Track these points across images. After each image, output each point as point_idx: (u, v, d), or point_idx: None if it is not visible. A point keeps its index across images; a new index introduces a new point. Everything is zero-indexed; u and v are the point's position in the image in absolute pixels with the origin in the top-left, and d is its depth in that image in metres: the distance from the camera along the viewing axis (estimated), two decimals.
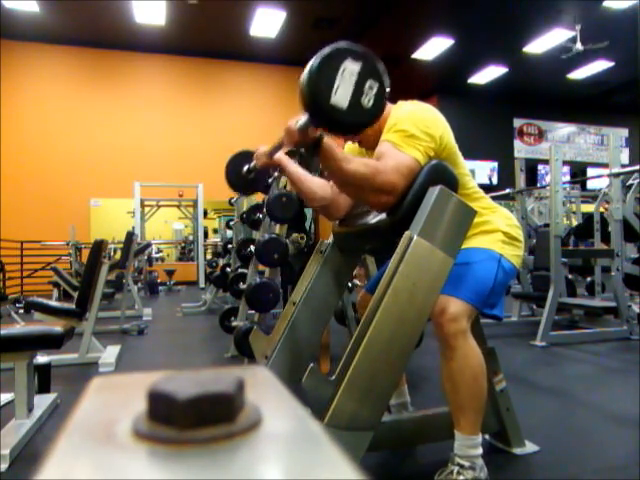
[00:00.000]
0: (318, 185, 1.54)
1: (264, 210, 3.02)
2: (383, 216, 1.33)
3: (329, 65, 1.05)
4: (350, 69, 1.05)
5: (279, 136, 1.29)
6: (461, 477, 1.28)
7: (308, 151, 1.23)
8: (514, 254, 1.45)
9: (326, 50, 1.06)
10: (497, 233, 1.44)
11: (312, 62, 1.06)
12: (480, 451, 1.33)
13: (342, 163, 1.20)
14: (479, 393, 1.31)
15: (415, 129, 1.28)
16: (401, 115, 1.34)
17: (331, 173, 1.26)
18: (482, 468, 1.32)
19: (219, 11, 8.04)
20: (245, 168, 1.67)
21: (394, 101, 1.49)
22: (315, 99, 1.05)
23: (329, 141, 1.21)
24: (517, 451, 1.62)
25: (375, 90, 1.07)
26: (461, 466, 1.29)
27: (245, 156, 1.77)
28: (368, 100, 1.07)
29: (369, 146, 1.48)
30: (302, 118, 1.14)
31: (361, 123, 1.12)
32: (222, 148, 10.07)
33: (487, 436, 1.68)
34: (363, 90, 1.06)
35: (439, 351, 1.33)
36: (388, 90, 1.12)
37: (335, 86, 1.04)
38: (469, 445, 1.31)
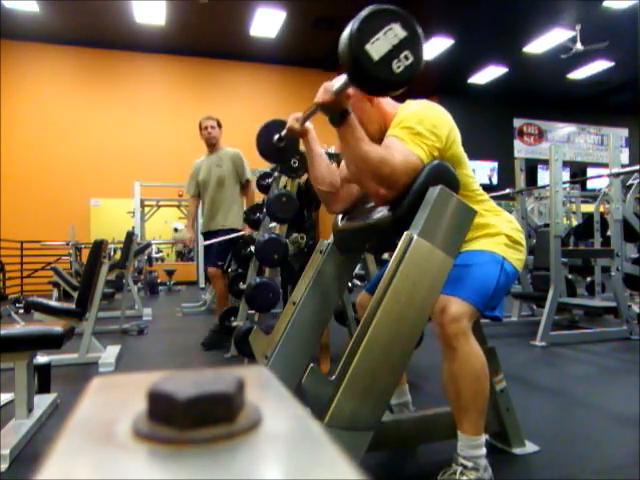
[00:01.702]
0: (329, 170, 1.59)
1: (264, 210, 3.03)
2: (385, 214, 1.33)
3: (379, 17, 1.08)
4: (396, 31, 1.08)
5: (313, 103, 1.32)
6: (464, 477, 1.28)
7: (334, 118, 1.26)
8: (516, 257, 1.46)
9: (384, 5, 1.09)
10: (500, 236, 1.44)
11: (368, 8, 1.08)
12: (484, 451, 1.33)
13: (360, 141, 1.24)
14: (481, 394, 1.31)
15: (421, 127, 1.29)
16: (409, 113, 1.34)
17: (346, 147, 1.27)
18: (486, 468, 1.32)
19: (219, 11, 8.04)
20: (276, 137, 1.75)
21: (398, 100, 1.50)
22: (352, 39, 1.07)
23: (354, 118, 1.26)
24: (517, 451, 1.62)
25: (409, 62, 1.09)
26: (464, 467, 1.29)
27: (276, 125, 1.82)
28: (398, 67, 1.08)
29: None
30: (340, 79, 1.19)
31: (381, 83, 1.12)
32: None
33: (487, 436, 1.68)
34: (399, 56, 1.08)
35: (441, 351, 1.33)
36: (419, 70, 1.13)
37: (375, 37, 1.07)
38: (472, 446, 1.31)
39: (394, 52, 1.08)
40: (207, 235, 3.72)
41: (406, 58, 1.09)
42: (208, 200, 3.69)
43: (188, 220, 4.02)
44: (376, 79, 1.10)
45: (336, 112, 1.25)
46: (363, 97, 1.43)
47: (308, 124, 1.54)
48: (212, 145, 3.72)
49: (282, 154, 1.95)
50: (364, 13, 1.08)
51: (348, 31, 1.08)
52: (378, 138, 1.38)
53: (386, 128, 1.39)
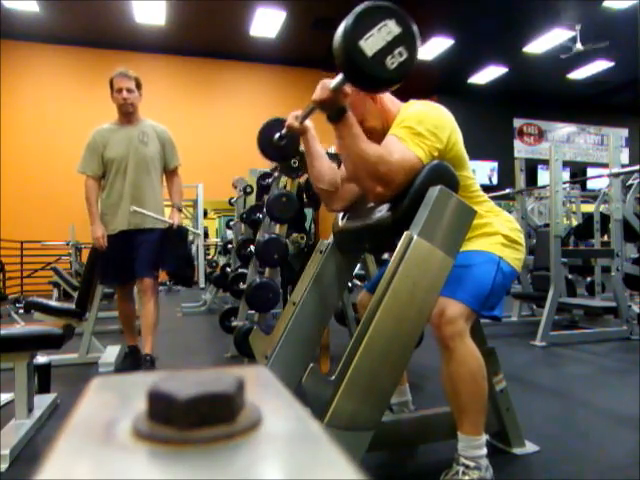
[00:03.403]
0: (329, 168, 1.58)
1: (264, 210, 3.02)
2: (385, 214, 1.33)
3: (373, 14, 1.08)
4: (390, 28, 1.08)
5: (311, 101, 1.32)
6: (466, 477, 1.28)
7: (332, 115, 1.26)
8: (514, 257, 1.45)
9: (378, 2, 1.09)
10: (497, 236, 1.44)
11: (362, 5, 1.08)
12: (485, 451, 1.33)
13: (357, 139, 1.24)
14: (479, 394, 1.31)
15: (422, 128, 1.29)
16: (410, 113, 1.35)
17: (343, 145, 1.27)
18: (487, 468, 1.32)
19: (219, 11, 8.04)
20: (276, 135, 1.75)
21: (401, 100, 1.50)
22: (346, 35, 1.07)
23: (352, 116, 1.26)
24: (517, 451, 1.62)
25: (402, 59, 1.09)
26: (466, 466, 1.30)
27: (277, 124, 1.82)
28: (392, 63, 1.08)
29: (376, 142, 1.49)
30: (337, 78, 1.19)
31: (374, 79, 1.12)
32: (222, 148, 10.14)
33: (487, 436, 1.68)
34: (392, 52, 1.08)
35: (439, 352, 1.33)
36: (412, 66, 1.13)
37: (369, 34, 1.07)
38: (473, 446, 1.31)
39: (388, 48, 1.08)
40: (127, 235, 2.78)
41: (400, 54, 1.09)
42: (128, 187, 2.77)
43: (90, 211, 2.79)
44: (370, 75, 1.10)
45: (333, 110, 1.25)
46: (366, 95, 1.44)
47: (308, 122, 1.54)
48: (129, 114, 2.80)
49: (283, 152, 1.97)
50: (358, 9, 1.08)
51: (342, 27, 1.08)
52: (380, 135, 1.38)
53: (388, 126, 1.39)
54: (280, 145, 1.80)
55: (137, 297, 3.07)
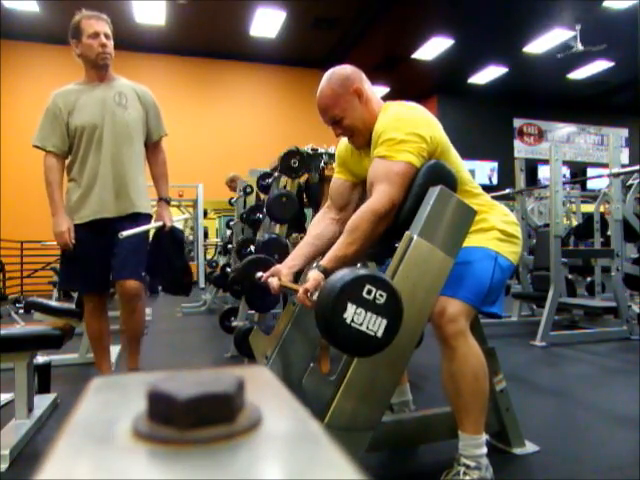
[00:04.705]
0: (322, 244, 1.54)
1: (264, 210, 3.03)
2: None
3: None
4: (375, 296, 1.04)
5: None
6: (467, 477, 1.29)
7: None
8: (511, 251, 1.45)
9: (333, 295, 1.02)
10: (493, 231, 1.44)
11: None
12: (485, 450, 1.33)
13: (348, 251, 1.26)
14: (481, 393, 1.31)
15: (402, 134, 1.29)
16: (386, 123, 1.34)
17: (351, 260, 1.29)
18: (487, 467, 1.33)
19: (219, 11, 8.03)
20: (258, 275, 1.59)
21: (391, 99, 1.50)
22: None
23: (329, 260, 1.27)
24: (517, 451, 1.62)
25: (384, 298, 1.03)
26: (467, 466, 1.30)
27: (262, 263, 1.71)
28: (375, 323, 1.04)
29: (360, 144, 1.49)
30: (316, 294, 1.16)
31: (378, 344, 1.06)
32: (222, 148, 10.14)
33: (487, 436, 1.68)
34: (373, 313, 1.03)
35: (440, 351, 1.33)
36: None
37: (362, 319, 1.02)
38: (474, 445, 1.31)
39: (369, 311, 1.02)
40: (102, 226, 2.17)
41: (381, 296, 1.03)
42: (105, 163, 2.16)
43: (51, 198, 2.15)
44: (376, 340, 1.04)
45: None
46: (353, 91, 1.42)
47: (274, 279, 1.45)
48: (105, 68, 2.18)
49: (261, 291, 1.73)
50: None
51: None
52: (362, 134, 1.41)
53: (370, 125, 1.40)
54: (259, 284, 1.59)
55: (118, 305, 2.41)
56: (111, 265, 2.15)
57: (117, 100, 2.19)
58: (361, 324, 1.00)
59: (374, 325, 1.01)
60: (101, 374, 2.21)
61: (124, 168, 2.19)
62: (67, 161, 2.23)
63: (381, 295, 1.00)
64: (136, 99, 2.25)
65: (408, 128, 1.29)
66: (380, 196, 1.26)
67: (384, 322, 1.01)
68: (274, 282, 1.44)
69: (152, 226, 2.24)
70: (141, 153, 2.28)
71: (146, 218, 2.26)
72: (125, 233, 2.05)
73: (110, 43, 2.15)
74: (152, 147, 2.33)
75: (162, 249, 2.24)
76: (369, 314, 1.00)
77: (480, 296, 1.34)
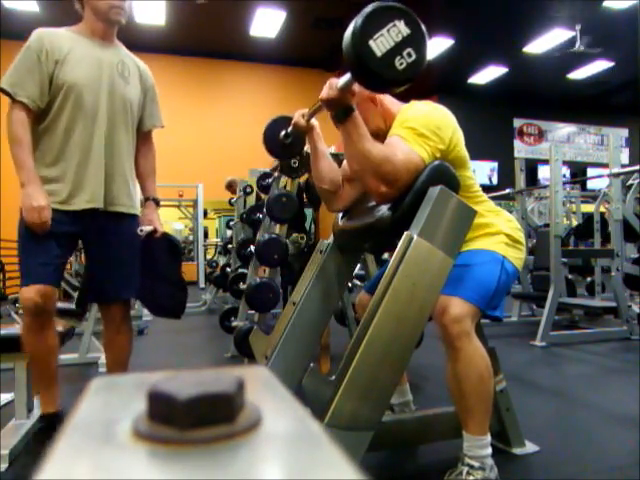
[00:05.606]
0: (332, 168, 1.59)
1: (264, 210, 3.02)
2: (385, 214, 1.33)
3: (383, 14, 1.08)
4: (399, 28, 1.08)
5: (318, 99, 1.31)
6: (471, 477, 1.29)
7: (338, 114, 1.26)
8: (516, 257, 1.46)
9: (387, 2, 1.09)
10: (500, 235, 1.45)
11: (372, 5, 1.08)
12: (489, 451, 1.33)
13: (363, 138, 1.24)
14: (486, 393, 1.31)
15: (425, 129, 1.29)
16: (413, 114, 1.35)
17: (349, 144, 1.27)
18: (492, 468, 1.33)
19: (219, 11, 8.04)
20: (282, 133, 1.73)
21: (402, 100, 1.50)
22: (355, 35, 1.07)
23: (358, 115, 1.25)
24: (517, 451, 1.62)
25: (412, 59, 1.09)
26: (471, 466, 1.30)
27: (283, 121, 1.81)
28: (401, 64, 1.08)
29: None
30: (345, 76, 1.19)
31: (384, 79, 1.12)
32: (222, 148, 10.15)
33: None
34: (402, 53, 1.08)
35: (445, 352, 1.33)
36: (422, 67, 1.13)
37: (378, 34, 1.07)
38: (478, 445, 1.31)
39: (397, 49, 1.08)
40: (88, 220, 1.71)
41: (409, 55, 1.09)
42: (100, 138, 1.71)
43: (19, 160, 1.67)
44: (379, 75, 1.09)
45: (340, 109, 1.25)
46: (367, 97, 1.44)
47: (314, 121, 1.54)
48: (114, 25, 1.76)
49: (288, 150, 1.95)
50: (368, 9, 1.08)
51: (351, 27, 1.08)
52: (381, 137, 1.38)
53: (388, 128, 1.39)
54: (286, 143, 1.80)
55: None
56: (100, 276, 1.78)
57: (120, 70, 1.77)
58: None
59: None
60: (47, 415, 1.74)
61: (118, 152, 1.77)
62: (40, 126, 1.68)
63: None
64: (137, 76, 1.87)
65: (432, 126, 1.30)
66: (394, 166, 1.23)
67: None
68: (297, 116, 1.54)
69: (146, 230, 1.84)
70: (134, 142, 1.87)
71: (133, 221, 1.83)
72: (146, 228, 1.80)
73: (127, 4, 1.73)
74: (143, 138, 1.94)
75: (153, 259, 1.84)
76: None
77: (486, 298, 1.35)
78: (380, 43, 1.07)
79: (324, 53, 9.43)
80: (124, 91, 1.77)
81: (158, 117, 2.00)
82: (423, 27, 1.11)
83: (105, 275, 1.79)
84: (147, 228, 1.84)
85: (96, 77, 1.70)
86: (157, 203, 1.98)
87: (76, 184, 1.69)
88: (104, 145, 1.72)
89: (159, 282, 1.88)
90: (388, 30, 1.07)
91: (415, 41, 1.10)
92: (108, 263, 1.78)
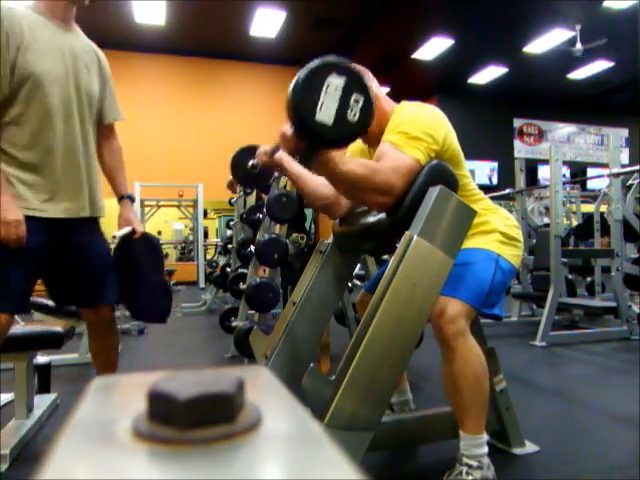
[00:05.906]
0: (320, 184, 1.54)
1: (264, 210, 3.02)
2: (383, 215, 1.33)
3: (313, 81, 1.04)
4: (334, 84, 1.04)
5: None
6: (470, 477, 1.29)
7: (304, 156, 1.22)
8: (513, 254, 1.46)
9: (309, 65, 1.05)
10: (495, 233, 1.45)
11: (297, 78, 1.05)
12: (486, 450, 1.33)
13: (338, 165, 1.20)
14: (481, 392, 1.32)
15: (417, 131, 1.29)
16: (404, 117, 1.34)
17: (327, 175, 1.25)
18: (489, 467, 1.33)
19: (219, 11, 8.03)
20: (250, 163, 1.59)
21: (396, 101, 1.50)
22: (300, 117, 1.04)
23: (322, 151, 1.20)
24: (517, 451, 1.62)
25: (361, 104, 1.06)
26: (469, 466, 1.30)
27: (250, 151, 1.76)
28: (354, 114, 1.05)
29: (372, 143, 1.49)
30: (277, 143, 1.17)
31: (347, 138, 1.11)
32: (222, 148, 10.07)
33: (487, 436, 1.68)
34: (349, 104, 1.05)
35: (440, 352, 1.33)
36: (374, 103, 1.11)
37: (320, 102, 1.03)
38: (475, 445, 1.32)
39: (343, 103, 1.04)
40: (56, 226, 1.52)
41: (356, 102, 1.05)
42: (76, 139, 1.55)
43: None
44: (339, 140, 1.08)
45: (301, 153, 1.21)
46: None
47: (280, 153, 1.44)
48: (80, 5, 1.53)
49: (257, 179, 1.88)
50: (296, 85, 1.03)
51: (292, 108, 1.04)
52: (376, 137, 1.38)
53: (382, 126, 1.39)
54: (253, 173, 1.71)
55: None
56: (78, 283, 1.63)
57: (83, 59, 1.57)
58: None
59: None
60: None
61: (94, 153, 1.64)
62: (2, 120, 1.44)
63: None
64: (96, 64, 1.64)
65: (424, 127, 1.30)
66: (385, 175, 1.22)
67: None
68: (260, 155, 1.46)
69: (121, 233, 1.69)
70: (94, 135, 1.67)
71: (94, 225, 1.68)
72: (118, 233, 1.67)
73: None
74: (106, 131, 1.74)
75: (134, 262, 1.73)
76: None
77: (480, 297, 1.35)
78: (325, 111, 1.02)
79: (324, 53, 9.42)
80: (87, 83, 1.59)
81: (118, 109, 1.78)
82: (352, 65, 1.08)
83: (95, 279, 1.64)
84: (123, 231, 1.69)
85: (63, 70, 1.51)
86: (132, 200, 1.79)
87: (54, 190, 1.51)
88: (82, 149, 1.57)
89: (141, 286, 1.75)
90: (325, 92, 1.03)
91: (354, 83, 1.06)
92: (93, 268, 1.63)
